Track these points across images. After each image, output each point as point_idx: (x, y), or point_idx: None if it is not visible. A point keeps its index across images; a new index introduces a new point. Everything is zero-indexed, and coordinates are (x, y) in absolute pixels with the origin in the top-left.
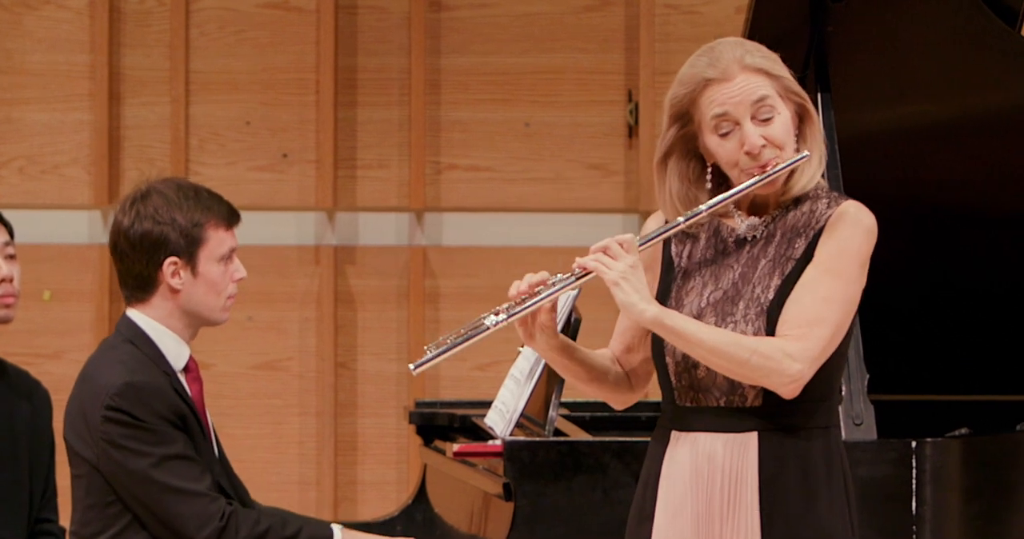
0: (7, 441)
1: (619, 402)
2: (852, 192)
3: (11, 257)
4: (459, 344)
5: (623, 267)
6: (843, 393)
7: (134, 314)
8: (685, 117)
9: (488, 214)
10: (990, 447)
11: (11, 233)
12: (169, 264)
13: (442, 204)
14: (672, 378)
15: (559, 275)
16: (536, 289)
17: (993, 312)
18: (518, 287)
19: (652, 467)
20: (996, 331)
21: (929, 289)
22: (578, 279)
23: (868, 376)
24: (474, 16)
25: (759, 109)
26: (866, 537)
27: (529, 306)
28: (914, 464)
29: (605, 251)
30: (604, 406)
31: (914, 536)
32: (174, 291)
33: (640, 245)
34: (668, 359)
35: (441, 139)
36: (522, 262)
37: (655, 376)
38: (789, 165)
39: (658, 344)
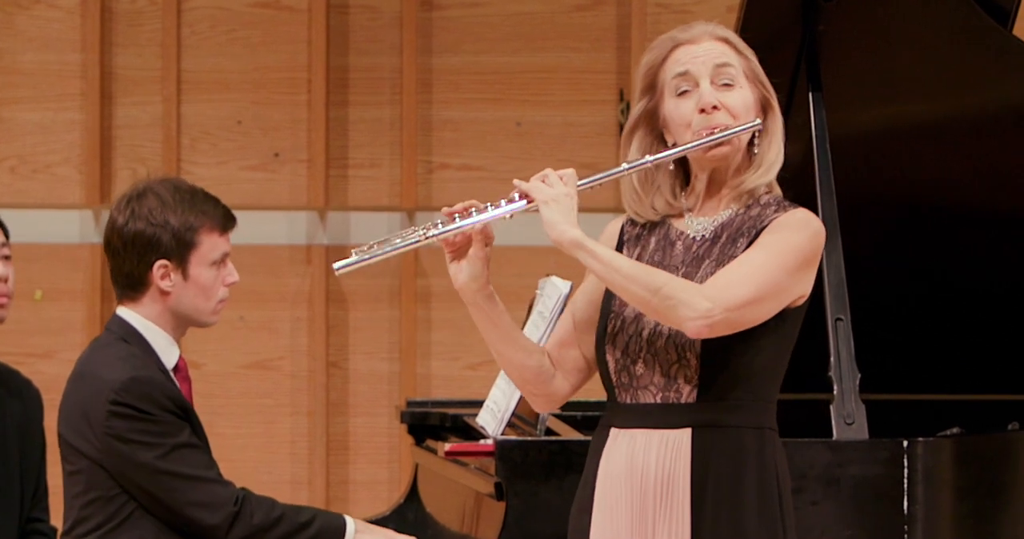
0: None
1: (540, 397)
2: (844, 191)
3: (6, 258)
4: (387, 252)
5: (555, 192)
6: (835, 392)
7: (125, 312)
8: (652, 89)
9: None
10: (982, 446)
11: (6, 234)
12: (159, 266)
13: (434, 203)
14: (612, 376)
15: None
16: (471, 211)
17: (985, 311)
18: (452, 207)
19: (591, 465)
20: (987, 330)
21: (920, 288)
22: (515, 206)
23: (860, 375)
24: (465, 15)
25: (720, 73)
26: (857, 537)
27: (463, 224)
28: (906, 463)
29: (544, 180)
30: (596, 405)
31: (906, 535)
32: (164, 293)
33: (580, 183)
34: (609, 357)
35: (433, 138)
36: (514, 261)
37: (583, 381)
38: (740, 130)
39: (600, 342)
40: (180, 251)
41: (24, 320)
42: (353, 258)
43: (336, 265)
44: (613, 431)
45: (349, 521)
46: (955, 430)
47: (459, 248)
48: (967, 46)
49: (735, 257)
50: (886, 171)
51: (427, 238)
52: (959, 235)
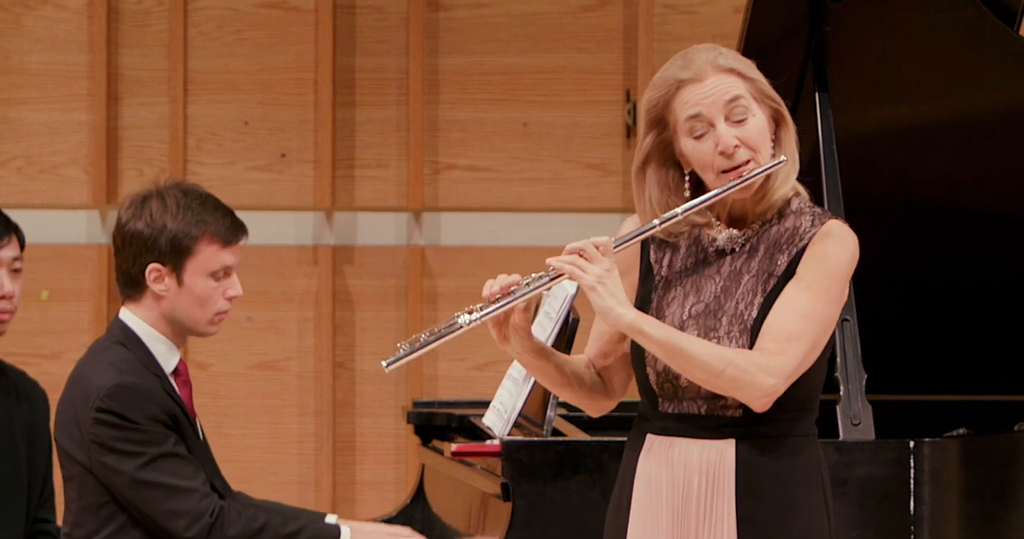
0: (5, 441)
1: (595, 409)
2: (851, 192)
3: (16, 272)
4: (432, 343)
5: (599, 271)
6: (841, 393)
7: (126, 315)
8: (661, 123)
9: (486, 214)
10: (988, 447)
11: (21, 245)
12: (152, 269)
13: (440, 204)
14: (654, 387)
15: (533, 275)
16: (510, 289)
17: (992, 312)
18: (491, 287)
19: (627, 471)
20: (994, 331)
21: (927, 289)
22: (552, 280)
23: (866, 376)
24: (472, 16)
25: (732, 109)
26: (863, 537)
27: (503, 305)
28: (912, 464)
29: (581, 254)
30: None
31: (912, 536)
32: (158, 296)
33: (615, 247)
34: (649, 370)
35: (439, 139)
36: (520, 262)
37: (632, 383)
38: (765, 170)
39: (638, 354)
40: (174, 257)
41: (30, 320)
42: (400, 353)
43: (384, 363)
44: (650, 437)
45: (344, 530)
46: (961, 431)
47: (503, 325)
48: (973, 47)
49: (775, 275)
50: (893, 172)
51: (470, 324)
52: (965, 236)
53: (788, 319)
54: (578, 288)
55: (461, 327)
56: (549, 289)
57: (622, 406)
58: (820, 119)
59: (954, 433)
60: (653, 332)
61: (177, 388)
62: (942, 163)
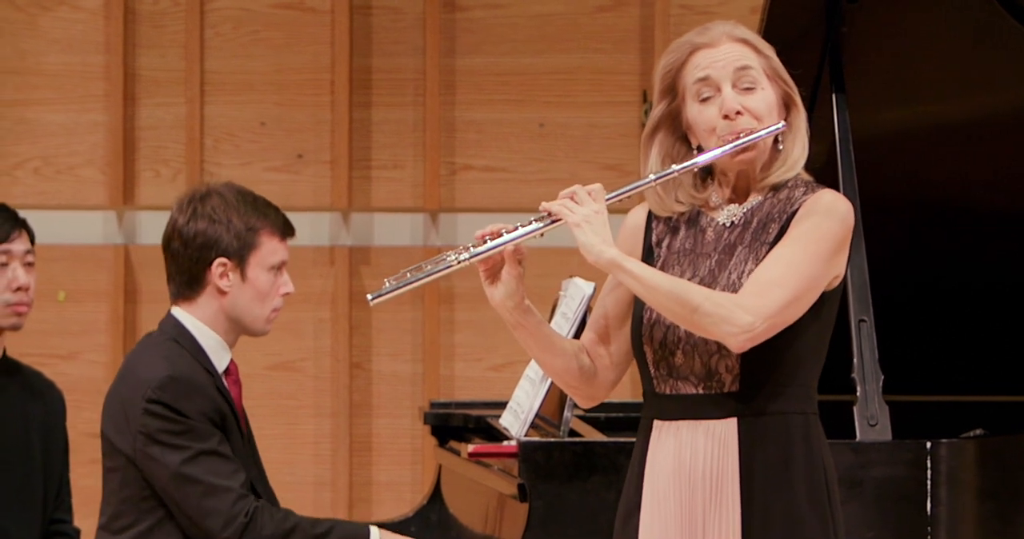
0: (21, 441)
1: (582, 394)
2: (867, 192)
3: (29, 265)
4: (420, 279)
5: (587, 211)
6: (858, 394)
7: (179, 313)
8: (672, 92)
9: (503, 215)
10: (1005, 448)
11: (32, 240)
12: (218, 264)
13: (457, 205)
14: (651, 367)
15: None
16: (501, 232)
17: (1009, 312)
18: (483, 230)
19: (638, 458)
20: (1011, 331)
21: (943, 289)
22: (544, 225)
23: (883, 377)
24: (488, 17)
25: (741, 77)
26: (881, 538)
27: (494, 246)
28: (929, 465)
29: (572, 198)
30: (619, 406)
31: (929, 537)
32: (221, 292)
33: (608, 197)
34: (646, 347)
35: (456, 140)
36: (537, 262)
37: (625, 376)
38: (765, 133)
39: (637, 333)
40: (240, 251)
41: (47, 321)
42: (387, 287)
43: (370, 296)
44: (656, 423)
45: (373, 530)
46: (978, 431)
47: (493, 269)
48: (989, 47)
49: (767, 243)
50: (909, 172)
51: (459, 263)
52: (981, 236)
53: (770, 267)
54: (595, 289)
55: (450, 265)
56: (542, 235)
57: (637, 407)
58: (836, 119)
59: (971, 434)
60: (632, 267)
61: (227, 387)
62: (958, 163)
